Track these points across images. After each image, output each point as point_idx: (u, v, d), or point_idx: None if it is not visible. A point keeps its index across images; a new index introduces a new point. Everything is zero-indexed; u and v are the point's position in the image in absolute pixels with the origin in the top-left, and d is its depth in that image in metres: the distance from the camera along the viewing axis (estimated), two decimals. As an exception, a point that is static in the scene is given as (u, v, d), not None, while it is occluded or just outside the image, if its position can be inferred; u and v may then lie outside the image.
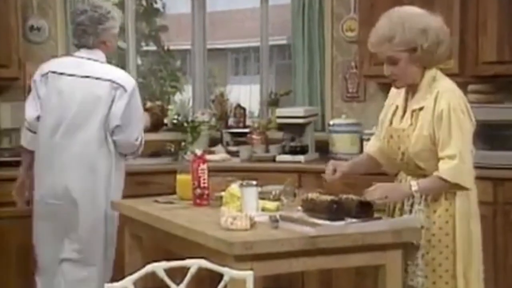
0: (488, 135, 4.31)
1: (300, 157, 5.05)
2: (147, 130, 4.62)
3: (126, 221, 3.59)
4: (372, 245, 2.81)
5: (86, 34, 3.78)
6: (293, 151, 5.11)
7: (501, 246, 4.32)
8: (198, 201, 3.37)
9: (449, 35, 3.04)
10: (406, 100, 3.10)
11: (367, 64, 4.94)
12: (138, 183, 4.71)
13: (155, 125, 5.43)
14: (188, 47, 6.10)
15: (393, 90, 3.18)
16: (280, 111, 5.25)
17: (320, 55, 5.50)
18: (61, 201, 3.75)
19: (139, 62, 7.59)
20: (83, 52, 3.82)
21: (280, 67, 7.54)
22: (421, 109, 3.01)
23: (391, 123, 3.13)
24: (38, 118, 3.84)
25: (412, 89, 3.08)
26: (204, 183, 3.36)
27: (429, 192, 2.99)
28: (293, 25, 5.60)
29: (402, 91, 3.12)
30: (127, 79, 3.79)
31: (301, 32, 5.51)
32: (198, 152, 3.45)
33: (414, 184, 2.97)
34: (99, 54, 3.81)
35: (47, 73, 3.82)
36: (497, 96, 4.64)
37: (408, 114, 3.06)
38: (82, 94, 3.73)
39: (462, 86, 4.60)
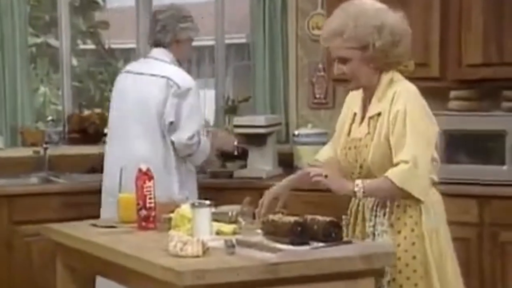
0: (472, 147, 4.36)
1: (261, 173, 5.08)
2: (232, 154, 5.09)
3: (58, 249, 3.57)
4: (341, 273, 2.84)
5: (164, 30, 4.45)
6: (253, 166, 5.13)
7: (488, 272, 4.38)
8: (143, 224, 3.37)
9: (409, 33, 3.11)
10: (363, 107, 3.18)
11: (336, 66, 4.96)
12: (72, 204, 4.71)
13: (93, 136, 5.42)
14: (132, 45, 6.11)
15: (351, 95, 3.27)
16: (238, 120, 5.28)
17: (283, 56, 5.55)
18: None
19: (75, 63, 7.55)
20: (153, 52, 4.52)
21: (238, 69, 7.57)
22: (378, 114, 3.08)
23: (349, 132, 3.20)
24: None
25: (369, 94, 3.15)
26: (150, 203, 3.37)
27: (374, 193, 3.05)
28: (252, 22, 5.64)
29: (360, 96, 3.19)
30: (184, 78, 4.40)
31: (262, 29, 5.56)
32: (143, 167, 3.45)
33: (359, 182, 3.03)
34: (168, 54, 4.46)
35: (121, 74, 4.62)
36: (483, 103, 4.69)
37: (365, 122, 3.13)
38: (138, 91, 4.39)
39: (443, 92, 4.70)
